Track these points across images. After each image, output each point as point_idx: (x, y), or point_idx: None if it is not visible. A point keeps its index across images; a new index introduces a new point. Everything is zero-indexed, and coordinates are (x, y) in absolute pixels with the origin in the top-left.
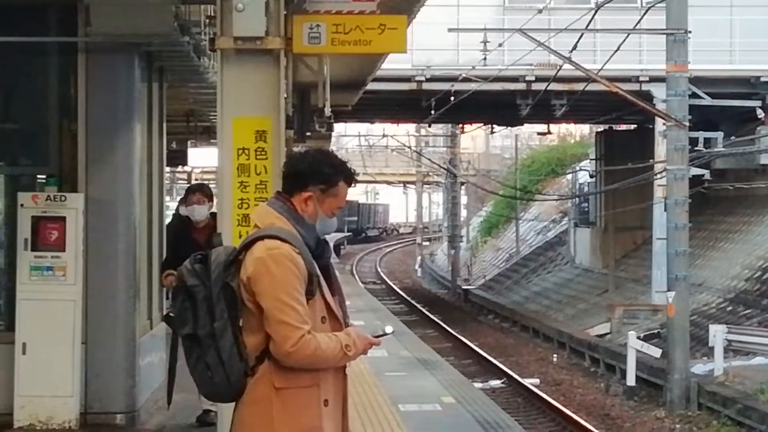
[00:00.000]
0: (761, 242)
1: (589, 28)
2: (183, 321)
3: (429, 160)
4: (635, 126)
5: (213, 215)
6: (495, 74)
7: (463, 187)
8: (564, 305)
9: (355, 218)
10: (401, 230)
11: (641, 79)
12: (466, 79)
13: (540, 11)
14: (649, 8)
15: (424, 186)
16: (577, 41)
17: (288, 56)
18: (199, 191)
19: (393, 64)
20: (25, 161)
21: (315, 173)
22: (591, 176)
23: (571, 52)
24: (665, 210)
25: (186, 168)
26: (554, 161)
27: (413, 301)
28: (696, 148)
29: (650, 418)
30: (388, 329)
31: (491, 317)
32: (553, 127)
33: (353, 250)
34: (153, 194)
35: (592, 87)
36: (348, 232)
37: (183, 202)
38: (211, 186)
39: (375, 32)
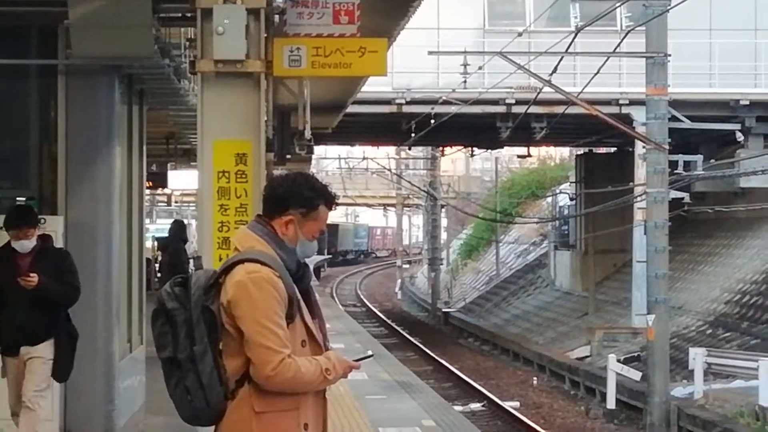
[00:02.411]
0: (741, 265)
1: (569, 51)
2: (162, 344)
3: (409, 182)
4: (615, 149)
5: (40, 237)
6: (475, 97)
7: (443, 210)
8: (544, 328)
9: (366, 240)
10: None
11: (621, 102)
12: (447, 102)
13: (520, 34)
14: (628, 32)
15: (405, 209)
16: (557, 64)
17: (268, 79)
18: (25, 226)
19: (373, 86)
20: (5, 183)
21: (295, 197)
22: (571, 199)
23: (551, 75)
24: (645, 233)
25: (166, 190)
26: (534, 184)
27: (393, 324)
28: (676, 171)
29: None
30: (368, 353)
31: (471, 340)
32: (533, 150)
33: (333, 272)
34: (133, 217)
35: (572, 110)
36: (359, 252)
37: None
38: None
39: (355, 55)
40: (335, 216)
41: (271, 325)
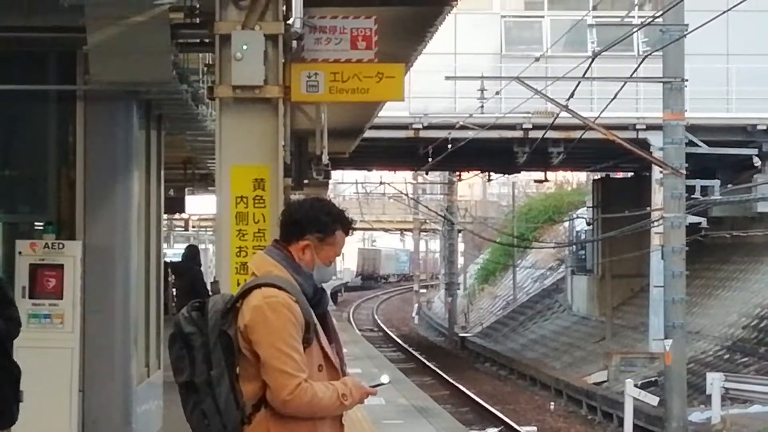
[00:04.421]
0: (758, 290)
1: (586, 76)
2: (180, 369)
3: (426, 207)
4: (632, 174)
5: None
6: (492, 122)
7: (460, 235)
8: (561, 353)
9: (407, 264)
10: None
11: (638, 127)
12: (464, 127)
13: (537, 59)
14: (645, 57)
15: (421, 233)
16: (574, 89)
17: (286, 104)
18: None
19: (390, 111)
20: (24, 208)
21: (312, 222)
22: (588, 224)
23: (568, 100)
24: (662, 258)
25: (183, 215)
26: (551, 209)
27: (410, 349)
28: (693, 196)
29: None
30: (384, 379)
31: (488, 365)
32: (550, 175)
33: (350, 297)
34: (150, 242)
35: (589, 135)
36: (401, 276)
37: None
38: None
39: (373, 80)
40: (353, 241)
41: (288, 350)
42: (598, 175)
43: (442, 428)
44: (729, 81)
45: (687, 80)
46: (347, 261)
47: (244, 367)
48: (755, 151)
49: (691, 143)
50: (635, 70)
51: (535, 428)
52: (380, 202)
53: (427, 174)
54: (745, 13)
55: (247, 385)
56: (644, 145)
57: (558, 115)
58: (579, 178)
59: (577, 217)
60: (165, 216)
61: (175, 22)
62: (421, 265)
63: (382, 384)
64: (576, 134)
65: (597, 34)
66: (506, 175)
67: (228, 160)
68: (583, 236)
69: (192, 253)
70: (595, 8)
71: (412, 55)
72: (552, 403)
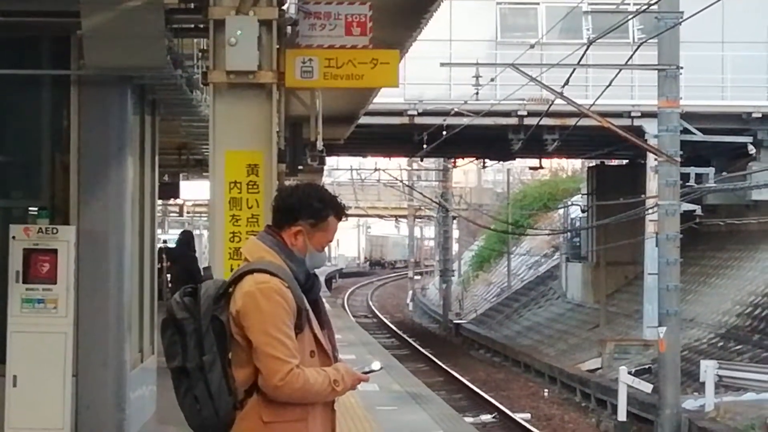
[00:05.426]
0: (752, 278)
1: (581, 63)
2: (172, 354)
3: (421, 194)
4: (627, 161)
5: None
6: (487, 109)
7: (455, 222)
8: (555, 340)
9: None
10: None
11: (633, 114)
12: (458, 114)
13: (532, 46)
14: (641, 44)
15: (416, 220)
16: (569, 76)
17: (280, 90)
18: None
19: (385, 98)
20: (17, 193)
21: (305, 208)
22: (583, 211)
23: (563, 87)
24: (657, 245)
25: (178, 201)
26: (546, 196)
27: (405, 335)
28: (687, 184)
29: None
30: (376, 366)
31: (482, 351)
32: (545, 162)
33: (345, 283)
34: (145, 227)
35: (584, 122)
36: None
37: None
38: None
39: (367, 66)
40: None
41: (280, 336)
42: (593, 163)
43: (436, 414)
44: (724, 69)
45: (682, 68)
46: (342, 247)
47: (236, 352)
48: (750, 139)
49: (685, 131)
50: (630, 57)
51: (528, 415)
52: (375, 188)
53: (422, 160)
54: (740, 1)
55: (239, 370)
56: (639, 132)
57: (553, 102)
58: (574, 165)
59: (572, 204)
60: (159, 201)
61: (170, 7)
62: (421, 252)
63: (374, 371)
64: (571, 121)
65: (592, 21)
66: (501, 162)
67: (222, 145)
68: (577, 223)
69: (186, 239)
70: None
71: (407, 41)
72: (546, 390)
